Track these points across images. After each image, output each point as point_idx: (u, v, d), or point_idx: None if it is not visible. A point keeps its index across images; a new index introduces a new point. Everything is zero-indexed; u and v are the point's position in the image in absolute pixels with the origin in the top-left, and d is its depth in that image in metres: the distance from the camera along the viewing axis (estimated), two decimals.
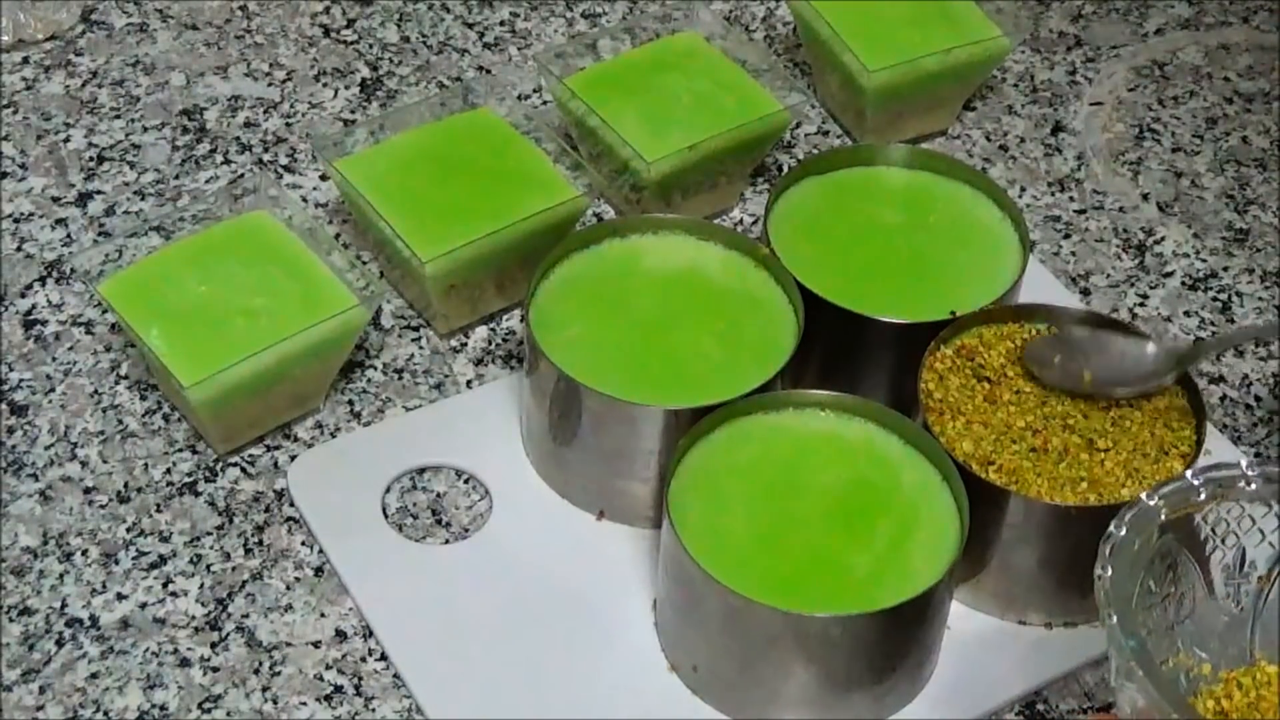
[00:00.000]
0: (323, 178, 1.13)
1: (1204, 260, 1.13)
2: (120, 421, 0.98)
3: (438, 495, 0.96)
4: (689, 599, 0.85)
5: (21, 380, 1.00)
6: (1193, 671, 0.80)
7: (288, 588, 0.92)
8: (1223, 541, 0.81)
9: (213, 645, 0.89)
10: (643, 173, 1.05)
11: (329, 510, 0.94)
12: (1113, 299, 1.10)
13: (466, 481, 0.97)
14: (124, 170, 1.12)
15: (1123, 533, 0.77)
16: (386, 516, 0.95)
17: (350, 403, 1.00)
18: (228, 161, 1.14)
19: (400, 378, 1.02)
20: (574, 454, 0.94)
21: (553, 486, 0.96)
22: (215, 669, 0.88)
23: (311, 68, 1.21)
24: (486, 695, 0.87)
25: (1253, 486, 0.80)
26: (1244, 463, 0.81)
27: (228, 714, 0.86)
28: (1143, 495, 0.79)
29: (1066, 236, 1.14)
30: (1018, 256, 1.00)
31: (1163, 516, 0.78)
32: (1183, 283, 1.11)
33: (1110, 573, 0.76)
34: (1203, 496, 0.80)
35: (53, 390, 0.99)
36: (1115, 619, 0.74)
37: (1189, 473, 0.80)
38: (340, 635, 0.90)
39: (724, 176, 1.10)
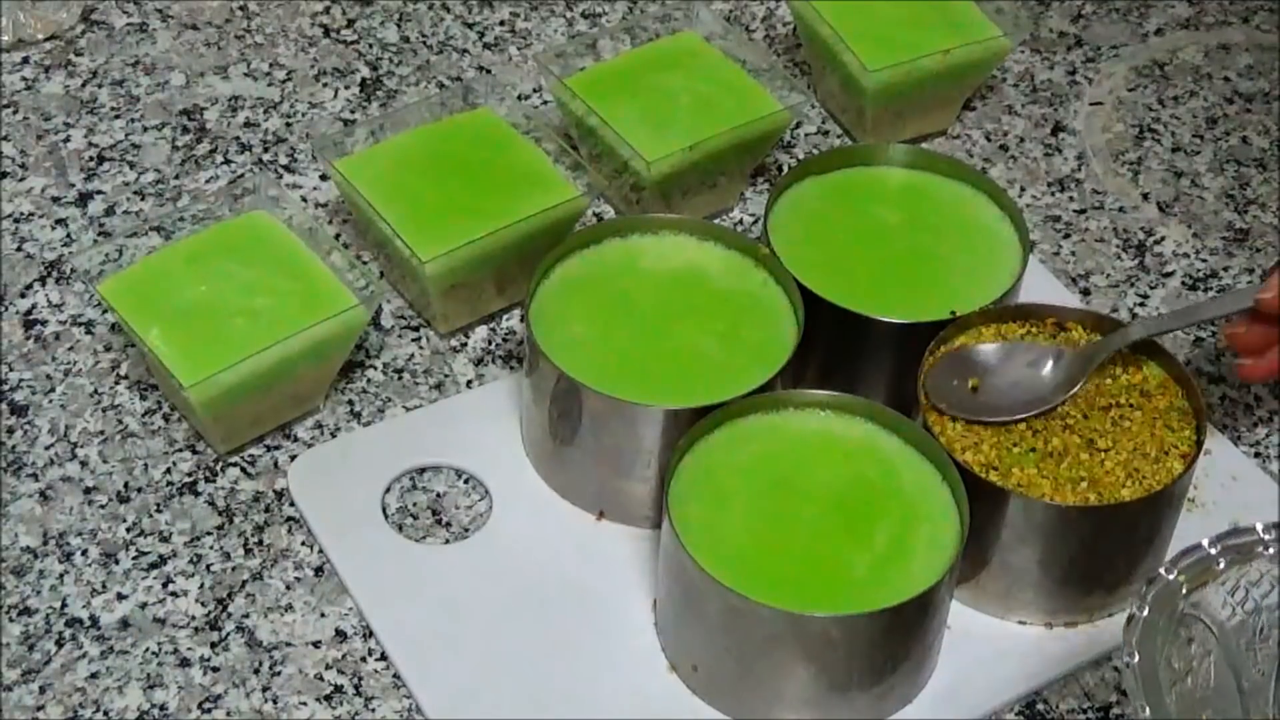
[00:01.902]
0: (323, 178, 1.13)
1: (1204, 260, 1.13)
2: (120, 421, 0.98)
3: (438, 495, 0.96)
4: (689, 599, 0.85)
5: (21, 380, 1.00)
6: None
7: (288, 588, 0.91)
8: (1240, 606, 0.78)
9: (213, 645, 0.89)
10: (643, 173, 1.05)
11: (329, 510, 0.94)
12: (1113, 299, 1.10)
13: (466, 481, 0.97)
14: (124, 170, 1.12)
15: (1145, 613, 0.74)
16: (386, 516, 0.95)
17: (350, 403, 1.00)
18: (228, 161, 1.14)
19: (400, 378, 1.02)
20: (574, 454, 0.94)
21: (553, 486, 0.96)
22: (215, 669, 0.88)
23: (311, 68, 1.21)
24: (486, 695, 0.87)
25: (1270, 550, 0.77)
26: (1260, 527, 0.78)
27: (228, 714, 0.86)
28: (1161, 570, 0.75)
29: (1066, 236, 1.14)
30: (1017, 256, 1.00)
31: (1184, 590, 0.75)
32: (1183, 283, 1.11)
33: (1138, 660, 0.72)
34: (1222, 565, 0.77)
35: (53, 390, 0.99)
36: (1148, 711, 0.71)
37: (1205, 541, 0.77)
38: (340, 635, 0.90)
39: (724, 176, 1.10)
